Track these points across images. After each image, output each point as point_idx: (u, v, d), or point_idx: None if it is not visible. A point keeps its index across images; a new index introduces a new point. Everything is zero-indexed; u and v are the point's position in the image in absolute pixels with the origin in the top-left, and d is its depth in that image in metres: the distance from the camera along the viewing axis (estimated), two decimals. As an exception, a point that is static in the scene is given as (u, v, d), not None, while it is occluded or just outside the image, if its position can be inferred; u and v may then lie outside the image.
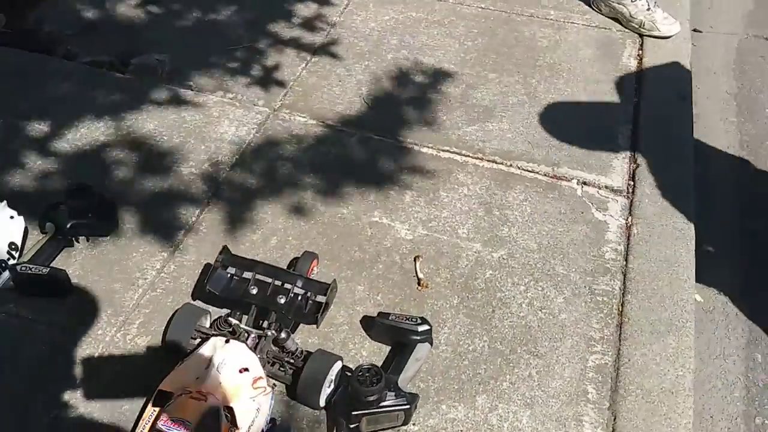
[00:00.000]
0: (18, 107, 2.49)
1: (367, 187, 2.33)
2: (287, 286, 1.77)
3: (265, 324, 1.74)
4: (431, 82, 2.76)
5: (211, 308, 1.87)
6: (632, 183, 2.41)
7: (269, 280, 1.78)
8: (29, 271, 1.84)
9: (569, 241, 2.20)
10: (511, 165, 2.45)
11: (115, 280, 1.98)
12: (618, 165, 2.47)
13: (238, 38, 2.91)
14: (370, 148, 2.47)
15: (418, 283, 2.05)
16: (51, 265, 1.93)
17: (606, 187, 2.39)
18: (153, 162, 2.35)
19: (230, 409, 1.53)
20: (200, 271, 2.01)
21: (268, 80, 2.71)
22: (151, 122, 2.48)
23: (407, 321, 1.85)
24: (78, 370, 1.77)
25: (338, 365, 1.72)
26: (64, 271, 1.90)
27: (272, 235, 2.15)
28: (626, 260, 2.17)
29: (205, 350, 1.65)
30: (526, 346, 1.92)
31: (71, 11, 2.99)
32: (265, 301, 1.75)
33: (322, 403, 1.69)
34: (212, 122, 2.50)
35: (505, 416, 1.77)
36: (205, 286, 1.77)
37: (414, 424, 1.72)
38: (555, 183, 2.39)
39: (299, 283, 1.77)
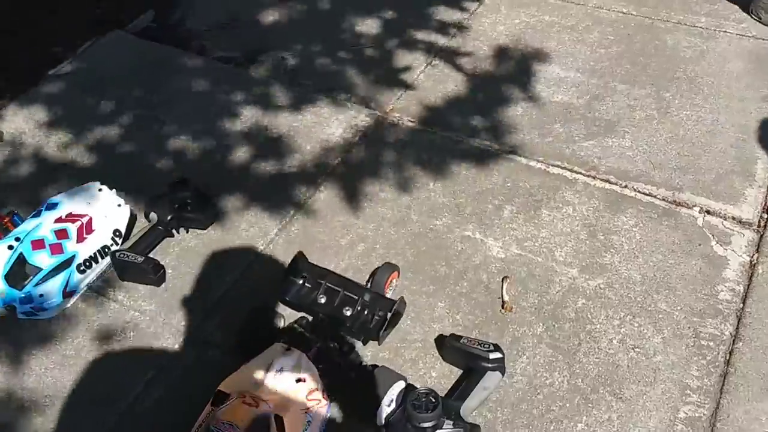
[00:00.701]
0: (147, 97, 2.66)
1: (465, 198, 2.24)
2: (355, 298, 1.75)
3: (332, 334, 1.73)
4: (553, 90, 2.61)
5: (287, 311, 1.89)
6: (765, 216, 2.14)
7: (338, 290, 1.77)
8: (126, 258, 1.95)
9: (679, 276, 2.00)
10: (626, 186, 2.26)
11: (205, 274, 2.06)
12: (752, 195, 2.20)
13: (361, 38, 2.92)
14: (475, 157, 2.38)
15: (503, 306, 1.95)
16: (150, 254, 2.05)
17: (733, 218, 2.14)
18: (258, 159, 2.41)
19: (280, 419, 1.53)
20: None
21: (383, 82, 2.70)
22: (266, 119, 2.55)
23: (479, 346, 1.76)
24: (150, 359, 1.86)
25: (400, 385, 1.67)
26: (157, 261, 2.00)
27: (360, 241, 2.13)
28: (744, 303, 1.93)
29: (267, 356, 1.66)
30: (611, 386, 1.77)
31: (211, 7, 3.15)
32: (332, 311, 1.74)
33: (380, 421, 1.65)
34: (321, 122, 2.53)
35: (572, 462, 1.64)
36: (280, 293, 1.80)
37: (472, 456, 1.65)
38: (673, 209, 2.18)
39: (367, 297, 1.74)
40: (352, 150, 2.43)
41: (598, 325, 1.90)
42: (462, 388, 1.72)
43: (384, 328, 1.70)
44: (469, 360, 1.77)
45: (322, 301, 1.76)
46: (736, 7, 2.92)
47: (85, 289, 2.00)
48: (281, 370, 1.62)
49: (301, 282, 1.80)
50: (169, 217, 2.08)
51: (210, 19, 3.07)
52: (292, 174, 2.35)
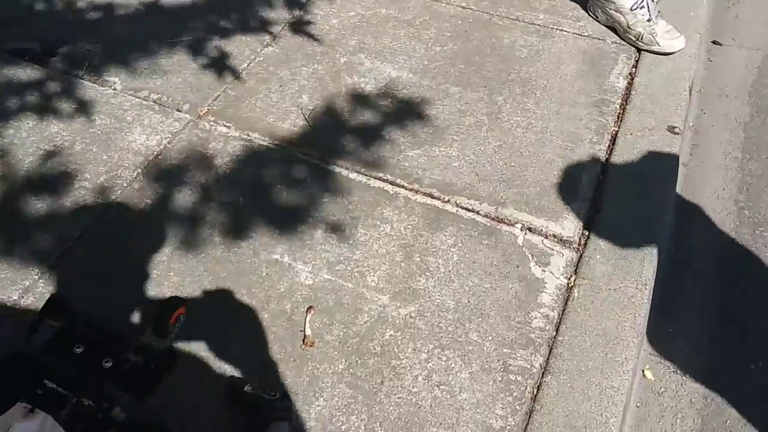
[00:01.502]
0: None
1: (276, 217, 2.05)
2: (118, 346, 1.53)
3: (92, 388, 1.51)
4: (382, 93, 2.45)
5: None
6: (586, 233, 2.06)
7: (100, 337, 1.54)
8: None
9: (494, 301, 1.89)
10: (448, 201, 2.13)
11: (-38, 312, 1.78)
12: (574, 210, 2.12)
13: (181, 31, 2.65)
14: (292, 169, 2.19)
15: (303, 341, 1.79)
16: None
17: (554, 235, 2.05)
18: (40, 174, 2.12)
19: (8, 501, 1.31)
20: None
21: (200, 82, 2.45)
22: (56, 125, 2.26)
23: (264, 393, 1.59)
24: None
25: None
26: None
27: (153, 268, 1.90)
28: (557, 330, 1.84)
29: (2, 420, 1.43)
30: (409, 431, 1.64)
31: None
32: (89, 366, 1.51)
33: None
34: (123, 128, 2.26)
35: None
36: (26, 340, 1.55)
37: None
38: (494, 226, 2.07)
39: (134, 344, 1.53)
40: (154, 161, 2.18)
41: (404, 360, 1.76)
42: (244, 444, 1.55)
43: (150, 384, 1.49)
44: (255, 408, 1.60)
45: (79, 351, 1.53)
46: (575, 4, 2.84)
47: None
48: (19, 437, 1.39)
49: (54, 330, 1.56)
50: None
51: (4, 4, 2.72)
52: (77, 193, 2.07)
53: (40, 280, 1.85)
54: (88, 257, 1.92)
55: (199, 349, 1.74)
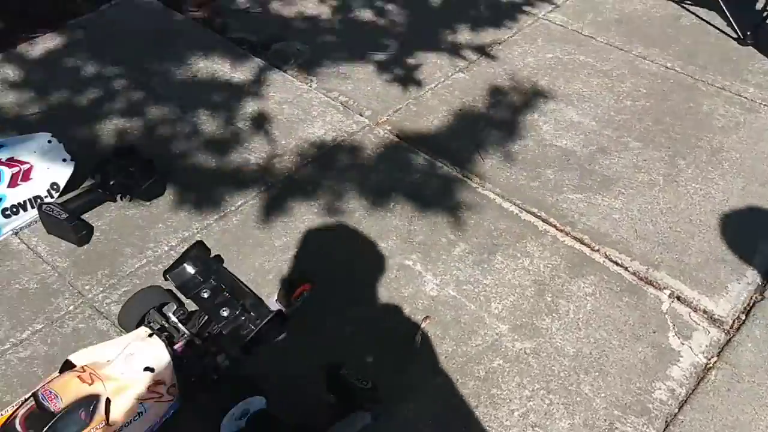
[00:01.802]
0: (145, 64, 2.63)
1: (420, 226, 2.09)
2: (237, 300, 1.64)
3: (205, 332, 1.64)
4: (560, 134, 2.41)
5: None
6: (743, 318, 1.87)
7: (224, 288, 1.66)
8: (51, 212, 1.93)
9: (617, 360, 1.77)
10: (597, 250, 2.04)
11: (129, 245, 2.00)
12: (735, 290, 1.94)
13: (380, 46, 2.80)
14: (448, 186, 2.22)
15: (411, 345, 1.79)
16: (83, 214, 2.02)
17: (704, 311, 1.89)
18: (225, 145, 2.34)
19: (108, 402, 1.45)
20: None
21: (386, 93, 2.57)
22: (253, 105, 2.49)
23: (357, 381, 1.61)
24: (44, 312, 1.82)
25: (256, 401, 1.56)
26: (82, 221, 1.97)
27: (295, 247, 2.02)
28: (680, 408, 1.68)
29: (127, 337, 1.58)
30: (491, 462, 1.58)
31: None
32: (209, 310, 1.64)
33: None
34: (307, 120, 2.44)
35: None
36: (166, 272, 1.71)
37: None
38: (640, 286, 1.94)
39: (249, 302, 1.63)
40: (326, 153, 2.32)
41: (505, 392, 1.71)
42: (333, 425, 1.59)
43: (250, 340, 1.58)
44: (345, 393, 1.63)
45: (205, 296, 1.66)
46: (796, 82, 2.62)
47: (9, 233, 1.99)
48: (133, 354, 1.53)
49: (193, 272, 1.71)
50: (111, 182, 2.05)
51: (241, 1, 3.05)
52: (253, 165, 2.27)
53: (197, 234, 2.04)
54: (241, 224, 2.08)
55: (310, 324, 1.81)
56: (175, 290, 1.68)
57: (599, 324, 1.86)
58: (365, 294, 1.91)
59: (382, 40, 2.84)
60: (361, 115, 2.48)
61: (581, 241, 2.07)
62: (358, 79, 2.64)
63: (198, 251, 1.74)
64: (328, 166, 2.27)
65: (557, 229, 2.10)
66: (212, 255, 1.70)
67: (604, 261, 2.02)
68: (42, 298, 1.85)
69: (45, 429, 1.39)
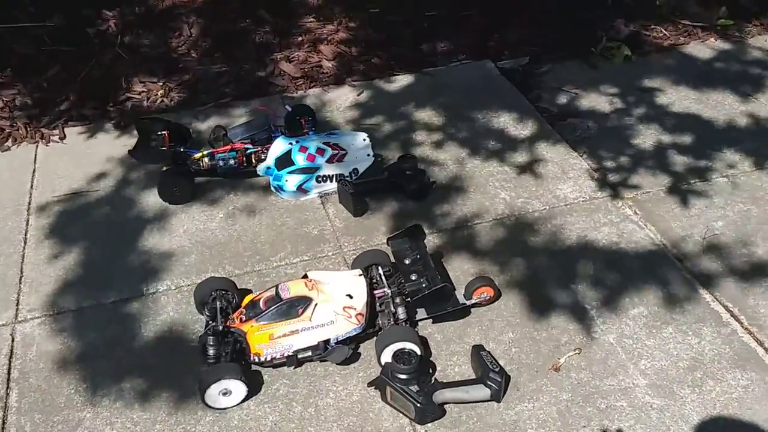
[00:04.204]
0: (464, 111, 3.33)
1: (613, 282, 2.38)
2: (426, 273, 2.17)
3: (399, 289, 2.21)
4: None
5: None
6: None
7: (421, 262, 2.21)
8: (344, 187, 2.68)
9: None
10: (762, 343, 2.11)
11: (384, 225, 2.65)
12: None
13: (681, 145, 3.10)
14: (656, 265, 2.46)
15: (553, 364, 2.11)
16: (369, 195, 2.74)
17: None
18: (499, 179, 2.88)
19: (316, 305, 2.08)
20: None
21: (648, 179, 2.88)
22: (518, 156, 3.00)
23: (489, 363, 2.01)
24: (314, 254, 2.55)
25: (407, 345, 2.02)
26: (362, 200, 2.69)
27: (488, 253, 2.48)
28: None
29: (347, 272, 2.22)
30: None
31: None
32: (405, 273, 2.20)
33: (380, 360, 2.06)
34: (560, 178, 2.87)
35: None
36: (389, 239, 2.34)
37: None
38: (798, 398, 1.97)
39: (431, 275, 2.16)
40: (558, 209, 2.73)
41: (615, 426, 1.93)
42: (453, 381, 2.02)
43: (420, 297, 2.10)
44: (477, 367, 2.04)
45: (407, 262, 2.22)
46: None
47: (316, 194, 2.79)
48: (344, 280, 2.16)
49: (406, 245, 2.29)
50: (391, 179, 2.75)
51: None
52: (498, 199, 2.78)
53: (436, 234, 2.62)
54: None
55: (487, 321, 2.24)
56: (390, 254, 2.30)
57: (737, 411, 1.96)
58: (535, 316, 2.28)
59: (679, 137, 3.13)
60: (610, 186, 2.82)
61: (761, 343, 2.15)
62: (632, 164, 2.98)
63: (416, 230, 2.33)
64: (551, 220, 2.68)
65: (742, 327, 2.21)
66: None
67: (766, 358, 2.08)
68: (316, 242, 2.59)
69: (275, 306, 2.07)
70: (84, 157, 3.06)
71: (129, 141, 3.05)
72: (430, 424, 1.94)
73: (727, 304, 2.30)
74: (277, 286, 2.14)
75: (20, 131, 3.22)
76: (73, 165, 3.02)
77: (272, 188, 2.80)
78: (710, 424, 1.93)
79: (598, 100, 3.42)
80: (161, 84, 3.53)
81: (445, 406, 1.98)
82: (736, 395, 2.00)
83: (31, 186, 2.90)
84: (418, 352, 1.99)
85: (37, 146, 3.15)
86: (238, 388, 1.97)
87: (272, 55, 3.71)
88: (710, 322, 2.23)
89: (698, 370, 2.08)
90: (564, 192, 2.80)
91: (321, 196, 2.80)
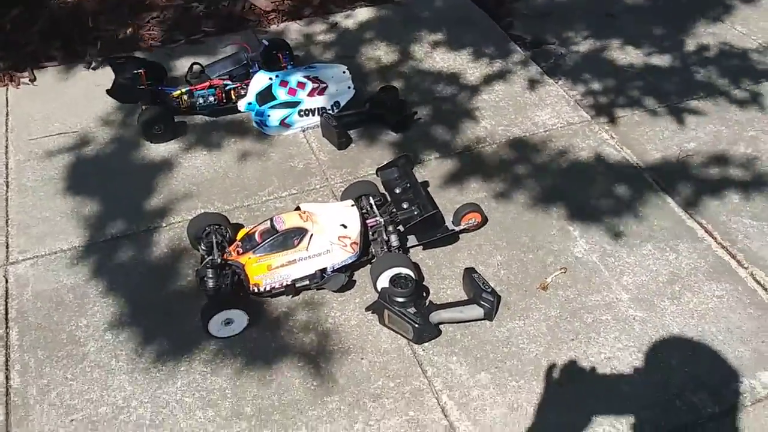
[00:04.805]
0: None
1: (589, 208, 2.47)
2: (417, 201, 2.23)
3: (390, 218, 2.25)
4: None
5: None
6: None
7: (410, 189, 2.26)
8: (327, 120, 2.69)
9: (715, 350, 2.00)
10: (745, 267, 2.23)
11: (368, 157, 2.69)
12: None
13: (636, 62, 3.17)
14: (629, 183, 2.56)
15: (541, 283, 2.20)
16: (352, 128, 2.76)
17: (823, 342, 1.99)
18: (467, 111, 2.92)
19: (312, 236, 2.12)
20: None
21: (617, 101, 2.95)
22: (498, 86, 3.04)
23: (481, 284, 2.09)
24: (302, 187, 2.58)
25: (403, 270, 2.09)
26: (345, 133, 2.71)
27: (480, 191, 2.54)
28: (752, 404, 1.87)
29: (339, 203, 2.26)
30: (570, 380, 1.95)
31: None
32: (396, 201, 2.25)
33: (376, 286, 2.13)
34: (538, 105, 2.93)
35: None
36: (378, 169, 2.38)
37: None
38: (769, 305, 2.11)
39: (422, 203, 2.21)
40: (543, 135, 2.79)
41: (601, 339, 2.05)
42: (447, 303, 2.10)
43: (413, 224, 2.16)
44: (470, 289, 2.12)
45: (397, 191, 2.27)
46: None
47: (299, 129, 2.80)
48: (337, 211, 2.20)
49: (395, 174, 2.34)
50: (373, 111, 2.77)
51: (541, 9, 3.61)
52: (482, 130, 2.83)
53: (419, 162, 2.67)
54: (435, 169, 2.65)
55: (478, 251, 2.32)
56: (379, 184, 2.34)
57: (713, 320, 2.09)
58: (519, 237, 2.36)
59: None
60: (586, 113, 2.88)
61: (733, 256, 2.27)
62: (602, 87, 3.04)
63: (404, 161, 2.37)
64: (534, 147, 2.74)
65: (716, 242, 2.32)
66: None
67: (746, 277, 2.21)
68: (302, 175, 2.62)
69: (271, 238, 2.11)
70: (57, 99, 3.00)
71: (102, 80, 2.99)
72: (427, 343, 2.04)
73: (702, 221, 2.41)
74: (271, 219, 2.17)
75: (-13, 74, 3.14)
76: (47, 107, 2.95)
77: (254, 124, 2.80)
78: (688, 332, 2.06)
79: (571, 27, 3.46)
80: (130, 21, 3.45)
81: (440, 326, 2.07)
82: (711, 305, 2.13)
83: (6, 129, 2.85)
84: (414, 277, 2.06)
85: (7, 89, 3.07)
86: (240, 318, 2.03)
87: (242, -11, 3.65)
88: (686, 239, 2.34)
89: (676, 284, 2.20)
90: (542, 119, 2.86)
91: (303, 130, 2.81)
